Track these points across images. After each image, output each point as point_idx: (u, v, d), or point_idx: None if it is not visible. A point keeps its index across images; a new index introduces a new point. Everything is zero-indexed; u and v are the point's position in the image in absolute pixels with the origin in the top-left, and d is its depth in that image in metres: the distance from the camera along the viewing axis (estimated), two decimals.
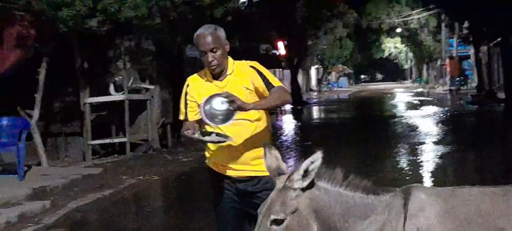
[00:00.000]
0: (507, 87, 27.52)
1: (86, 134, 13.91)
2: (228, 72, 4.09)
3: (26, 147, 10.75)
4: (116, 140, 14.71)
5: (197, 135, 3.86)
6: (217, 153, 4.14)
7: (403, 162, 12.82)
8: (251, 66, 4.09)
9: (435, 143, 15.72)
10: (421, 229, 3.00)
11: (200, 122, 4.05)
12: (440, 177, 10.92)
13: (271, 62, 34.61)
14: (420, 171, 11.51)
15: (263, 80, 4.03)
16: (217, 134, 3.87)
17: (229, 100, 3.74)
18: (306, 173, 2.95)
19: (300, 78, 46.02)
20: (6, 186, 9.72)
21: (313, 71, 65.98)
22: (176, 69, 17.75)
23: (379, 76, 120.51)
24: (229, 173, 4.11)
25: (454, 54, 52.54)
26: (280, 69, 38.45)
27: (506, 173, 10.65)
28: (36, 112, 12.32)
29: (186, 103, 4.15)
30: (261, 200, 3.24)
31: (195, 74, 4.23)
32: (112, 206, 9.67)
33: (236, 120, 3.91)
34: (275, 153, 3.20)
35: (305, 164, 2.94)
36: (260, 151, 3.74)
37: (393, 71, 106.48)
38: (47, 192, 9.75)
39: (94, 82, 14.19)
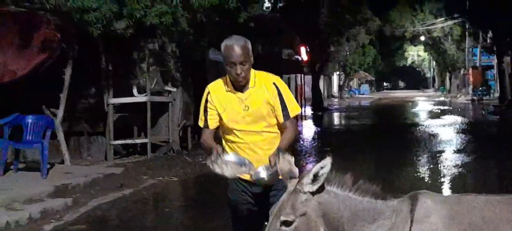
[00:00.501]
0: None
1: (109, 134, 14.12)
2: (250, 85, 4.11)
3: (49, 145, 11.00)
4: (137, 141, 14.92)
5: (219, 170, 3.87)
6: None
7: (422, 170, 12.89)
8: (274, 84, 4.15)
9: (455, 151, 15.74)
10: None
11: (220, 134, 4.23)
12: (458, 186, 10.96)
13: (293, 67, 34.71)
14: (439, 180, 11.56)
15: (281, 104, 4.12)
16: (240, 163, 3.93)
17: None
18: (315, 177, 3.09)
19: (321, 84, 46.01)
20: (29, 182, 9.98)
21: (335, 78, 65.88)
22: (199, 72, 17.94)
23: (401, 84, 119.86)
24: (246, 176, 4.20)
25: (477, 64, 52.26)
26: (302, 75, 38.51)
27: None
28: (60, 112, 12.57)
29: (206, 111, 4.18)
30: (274, 201, 3.39)
31: (216, 82, 4.23)
32: (132, 205, 9.87)
33: (259, 131, 4.12)
34: (288, 157, 3.35)
35: (315, 169, 3.09)
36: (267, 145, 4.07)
37: (416, 79, 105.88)
38: (69, 189, 9.98)
39: (118, 83, 14.41)
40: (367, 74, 75.65)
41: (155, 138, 15.01)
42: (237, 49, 3.98)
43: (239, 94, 4.11)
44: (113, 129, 14.16)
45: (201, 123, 4.23)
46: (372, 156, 15.63)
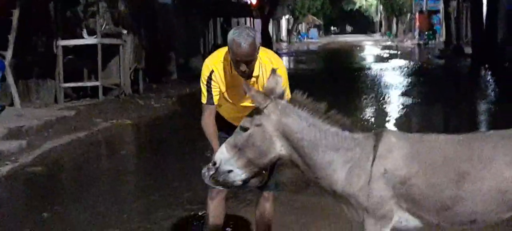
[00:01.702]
0: (475, 43, 28.03)
1: (58, 76, 13.92)
2: (254, 74, 3.99)
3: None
4: (88, 84, 14.77)
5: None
6: (230, 115, 4.27)
7: (369, 113, 13.17)
8: (273, 70, 3.88)
9: (401, 94, 16.14)
10: (388, 170, 3.27)
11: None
12: (404, 127, 11.27)
13: (242, 11, 34.57)
14: (385, 121, 11.88)
15: None
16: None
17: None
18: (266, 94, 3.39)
19: (270, 28, 46.00)
20: None
21: (283, 22, 65.90)
22: (148, 15, 17.76)
23: (349, 28, 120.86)
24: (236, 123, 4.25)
25: (423, 8, 53.01)
26: (251, 18, 38.33)
27: (467, 124, 11.09)
28: (9, 53, 12.29)
29: (210, 88, 4.07)
30: None
31: (218, 61, 4.07)
32: (87, 147, 9.86)
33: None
34: (278, 78, 3.47)
35: (249, 91, 3.41)
36: None
37: (363, 24, 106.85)
38: (23, 132, 9.87)
39: (68, 25, 14.14)
40: (315, 18, 75.86)
41: (106, 81, 14.88)
42: (246, 49, 3.79)
43: (243, 79, 3.94)
44: (63, 72, 13.95)
45: (204, 99, 4.10)
46: (321, 99, 15.84)
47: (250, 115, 3.43)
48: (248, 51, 3.79)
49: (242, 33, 3.80)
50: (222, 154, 3.42)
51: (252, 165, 3.40)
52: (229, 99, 4.15)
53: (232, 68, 3.97)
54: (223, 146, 3.44)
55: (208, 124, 4.11)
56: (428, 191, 3.25)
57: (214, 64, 4.06)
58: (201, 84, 4.11)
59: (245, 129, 3.37)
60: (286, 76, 3.99)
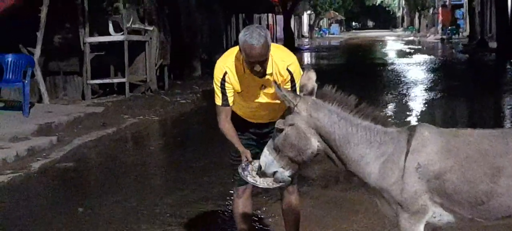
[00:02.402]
0: (499, 37, 27.78)
1: (86, 73, 14.09)
2: (268, 72, 3.95)
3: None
4: (115, 80, 14.91)
5: (252, 180, 3.79)
6: (242, 111, 4.27)
7: (394, 108, 13.15)
8: (288, 70, 4.01)
9: (425, 90, 16.08)
10: (422, 164, 3.27)
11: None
12: (430, 122, 11.21)
13: (264, 7, 34.60)
14: (410, 117, 11.87)
15: (291, 88, 3.97)
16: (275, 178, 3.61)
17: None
18: (284, 97, 3.44)
19: (292, 23, 45.97)
20: (12, 121, 10.02)
21: (305, 17, 65.77)
22: (172, 12, 17.87)
23: (371, 23, 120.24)
24: (253, 121, 4.30)
25: (447, 3, 52.60)
26: (273, 14, 38.39)
27: (494, 119, 11.03)
28: (37, 50, 12.48)
29: (224, 90, 4.06)
30: None
31: (231, 61, 4.05)
32: (116, 143, 9.99)
33: (271, 102, 4.11)
34: (311, 74, 3.50)
35: (280, 92, 3.46)
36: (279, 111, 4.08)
37: (385, 19, 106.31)
38: (53, 128, 10.04)
39: (94, 21, 14.30)
40: (337, 13, 75.65)
41: (133, 77, 15.01)
42: (258, 50, 3.75)
43: (257, 78, 4.00)
44: (90, 68, 14.11)
45: (218, 101, 4.09)
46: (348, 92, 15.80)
47: (283, 116, 3.52)
48: (261, 52, 3.77)
49: (254, 34, 3.76)
50: (265, 157, 3.51)
51: (294, 162, 3.47)
52: (243, 98, 4.15)
53: (245, 68, 3.95)
54: (266, 149, 3.52)
55: (227, 128, 4.11)
56: (462, 186, 3.24)
57: (227, 65, 4.04)
58: (215, 86, 4.09)
59: (280, 131, 3.44)
60: (300, 71, 3.99)
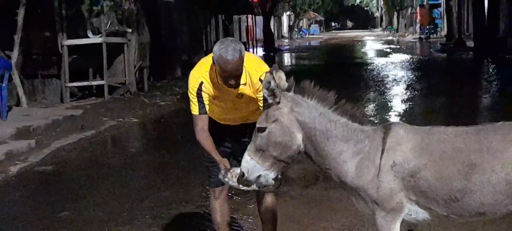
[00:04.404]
0: (476, 36, 28.05)
1: (64, 76, 14.02)
2: (242, 82, 3.98)
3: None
4: (94, 83, 14.85)
5: (236, 184, 3.77)
6: (216, 115, 4.26)
7: (372, 107, 13.23)
8: (261, 80, 3.90)
9: (403, 88, 16.20)
10: (397, 162, 3.31)
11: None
12: (407, 120, 11.33)
13: (244, 8, 34.58)
14: (388, 115, 11.96)
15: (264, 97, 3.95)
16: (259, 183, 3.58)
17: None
18: (271, 91, 3.39)
19: (271, 24, 46.02)
20: None
21: (284, 18, 65.89)
22: (151, 13, 17.83)
23: (350, 24, 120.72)
24: (226, 123, 4.31)
25: (424, 3, 53.00)
26: (253, 15, 38.37)
27: (471, 117, 11.15)
28: (15, 54, 12.41)
29: (200, 98, 4.05)
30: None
31: (206, 72, 4.05)
32: (95, 146, 9.95)
33: (246, 107, 4.13)
34: (281, 74, 3.48)
35: (264, 86, 3.40)
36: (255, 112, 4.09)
37: (364, 19, 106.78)
38: (31, 132, 9.98)
39: (72, 24, 14.22)
40: (316, 14, 75.90)
41: (112, 80, 14.95)
42: (233, 65, 3.77)
43: (232, 89, 4.02)
44: (68, 71, 14.04)
45: (195, 111, 4.08)
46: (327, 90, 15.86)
47: (263, 114, 3.47)
48: (235, 66, 3.78)
49: (229, 49, 3.75)
50: (247, 163, 3.46)
51: (279, 162, 3.45)
52: (218, 104, 4.15)
53: (218, 79, 3.95)
54: (246, 154, 3.47)
55: (204, 137, 4.07)
56: (437, 183, 3.27)
57: (202, 75, 4.04)
58: (190, 95, 4.07)
59: (262, 129, 3.41)
60: None
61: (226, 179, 3.85)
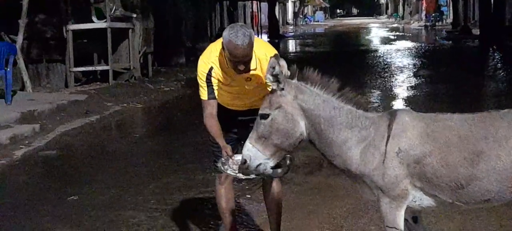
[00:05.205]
0: (482, 24, 27.92)
1: (69, 61, 14.01)
2: (251, 67, 3.95)
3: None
4: (98, 68, 14.83)
5: (234, 174, 3.79)
6: (224, 99, 4.23)
7: (377, 94, 13.22)
8: None
9: (408, 76, 16.16)
10: (402, 149, 3.29)
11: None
12: (413, 108, 11.29)
13: None
14: (393, 102, 11.94)
15: None
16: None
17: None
18: (275, 77, 3.37)
19: (276, 11, 45.90)
20: None
21: (289, 5, 65.71)
22: None
23: (355, 11, 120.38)
24: (234, 108, 4.29)
25: None
26: (258, 2, 38.26)
27: (476, 104, 11.12)
28: (20, 38, 12.39)
29: (210, 83, 4.05)
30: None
31: (215, 57, 4.04)
32: (100, 131, 9.98)
33: (254, 90, 4.10)
34: (282, 62, 3.46)
35: (268, 71, 3.38)
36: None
37: (369, 6, 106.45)
38: (35, 116, 9.98)
39: (77, 9, 14.20)
40: (321, 1, 75.70)
41: (116, 65, 14.94)
42: (242, 50, 3.75)
43: (241, 75, 3.99)
44: (73, 56, 14.03)
45: (204, 96, 4.08)
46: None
47: (265, 101, 3.44)
48: (245, 52, 3.77)
49: (238, 34, 3.73)
50: (249, 151, 3.43)
51: (280, 150, 3.43)
52: (227, 89, 4.14)
53: (229, 65, 3.94)
54: (248, 142, 3.44)
55: (213, 123, 4.07)
56: (442, 170, 3.26)
57: (212, 60, 4.04)
58: (200, 80, 4.07)
59: (265, 116, 3.39)
60: None
61: (225, 167, 3.83)
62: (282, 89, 3.39)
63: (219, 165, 3.88)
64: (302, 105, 3.39)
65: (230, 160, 3.85)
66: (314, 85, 3.43)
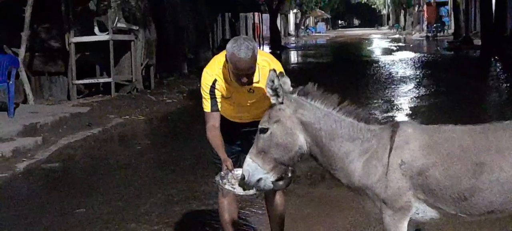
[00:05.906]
0: (484, 34, 27.92)
1: (71, 73, 14.03)
2: (254, 80, 3.96)
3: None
4: (101, 80, 14.85)
5: (232, 190, 3.78)
6: (227, 112, 4.24)
7: (379, 105, 13.19)
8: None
9: (410, 87, 16.15)
10: (405, 161, 3.29)
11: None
12: (415, 119, 11.29)
13: (250, 6, 34.56)
14: (395, 113, 11.92)
15: None
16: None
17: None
18: (274, 91, 3.41)
19: (278, 22, 45.97)
20: None
21: (291, 16, 65.85)
22: (157, 11, 17.83)
23: (356, 22, 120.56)
24: (237, 120, 4.31)
25: (432, 0, 52.81)
26: (259, 13, 38.37)
27: (478, 115, 11.10)
28: (22, 51, 12.41)
29: (213, 95, 4.05)
30: None
31: (219, 69, 4.04)
32: (102, 143, 9.98)
33: (256, 104, 4.09)
34: (286, 79, 3.52)
35: (268, 85, 3.41)
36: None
37: (371, 17, 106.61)
38: (38, 129, 9.98)
39: (79, 22, 14.23)
40: (323, 12, 75.83)
41: (118, 77, 14.95)
42: (246, 63, 3.76)
43: (244, 87, 4.01)
44: (75, 68, 14.04)
45: (207, 108, 4.08)
46: (331, 91, 15.87)
47: (265, 116, 3.47)
48: (248, 65, 3.78)
49: (242, 47, 3.74)
50: (249, 166, 3.45)
51: (280, 164, 3.44)
52: (230, 102, 4.15)
53: (232, 77, 3.95)
54: (248, 157, 3.46)
55: (215, 135, 4.06)
56: (445, 182, 3.26)
57: (216, 72, 4.04)
58: (203, 93, 4.07)
59: (264, 130, 3.41)
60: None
61: (224, 181, 3.81)
62: (281, 103, 3.41)
63: (217, 179, 3.85)
64: (302, 119, 3.40)
65: (230, 174, 3.84)
66: (315, 99, 3.44)
